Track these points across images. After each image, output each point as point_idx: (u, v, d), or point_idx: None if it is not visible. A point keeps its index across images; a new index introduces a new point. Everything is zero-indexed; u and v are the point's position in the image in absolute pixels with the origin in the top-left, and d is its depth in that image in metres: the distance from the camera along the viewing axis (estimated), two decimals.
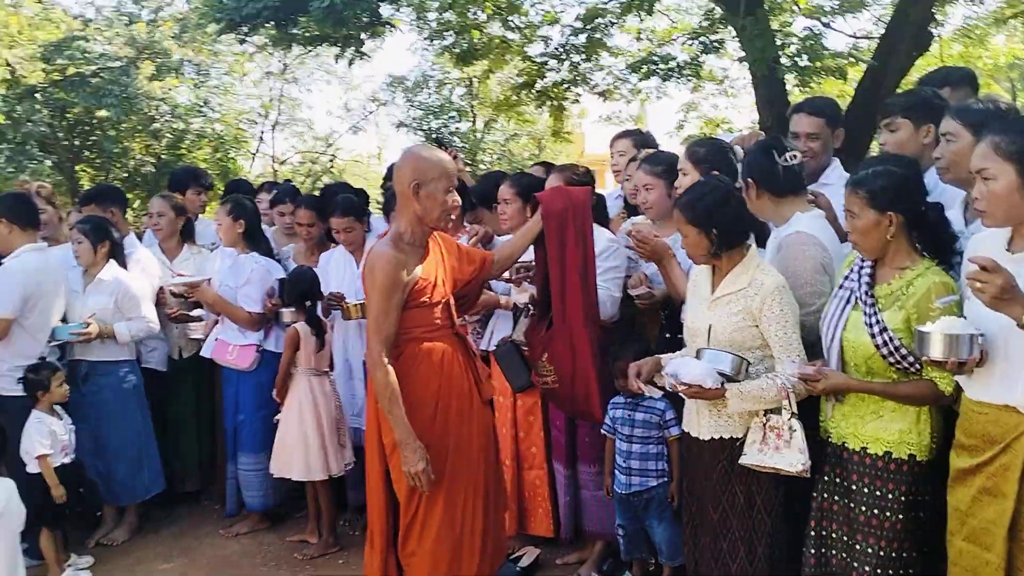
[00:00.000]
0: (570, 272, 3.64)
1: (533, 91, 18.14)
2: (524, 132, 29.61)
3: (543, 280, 3.79)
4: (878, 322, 2.76)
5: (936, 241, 2.82)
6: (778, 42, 10.37)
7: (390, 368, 3.27)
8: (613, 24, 16.81)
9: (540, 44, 17.92)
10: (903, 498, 2.76)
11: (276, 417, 4.88)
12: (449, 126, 29.30)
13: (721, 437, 3.12)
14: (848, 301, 2.89)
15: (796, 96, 11.72)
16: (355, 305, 4.68)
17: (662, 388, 3.20)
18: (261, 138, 28.54)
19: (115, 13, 24.91)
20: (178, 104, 24.56)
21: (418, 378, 3.41)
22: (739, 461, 3.00)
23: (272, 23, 10.35)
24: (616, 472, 4.02)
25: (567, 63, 17.48)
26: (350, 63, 11.69)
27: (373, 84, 42.84)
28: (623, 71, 16.64)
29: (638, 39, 17.44)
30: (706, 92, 20.22)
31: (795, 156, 3.34)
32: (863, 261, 2.91)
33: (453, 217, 3.59)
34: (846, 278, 2.95)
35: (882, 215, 2.77)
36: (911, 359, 2.71)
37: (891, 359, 2.74)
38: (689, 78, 13.69)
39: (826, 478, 2.96)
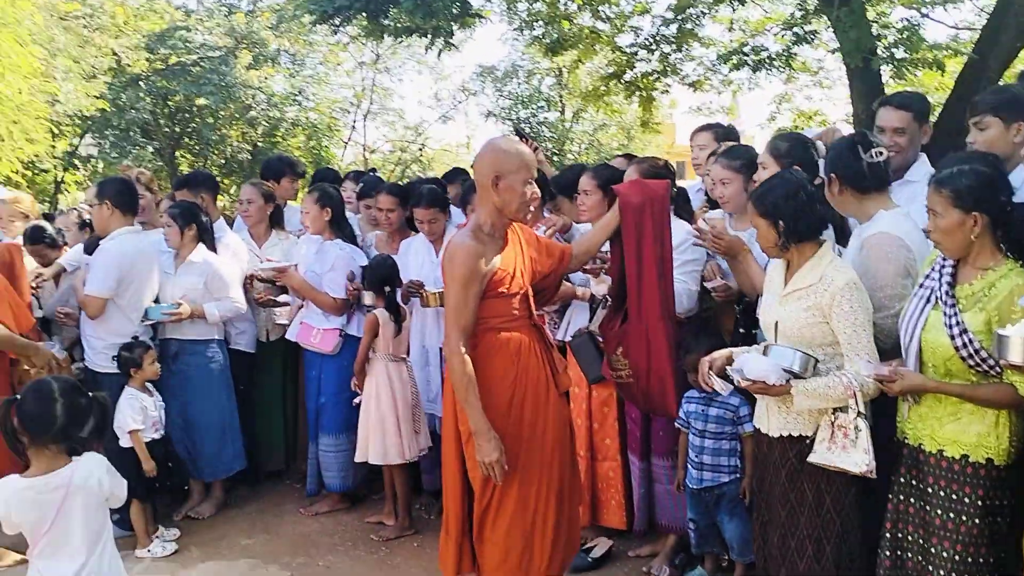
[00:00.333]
0: (647, 266, 3.62)
1: (622, 81, 18.07)
2: (613, 122, 29.52)
3: (619, 273, 3.77)
4: (958, 323, 2.69)
5: (1022, 242, 2.74)
6: (875, 33, 10.12)
7: (467, 358, 3.30)
8: (705, 14, 16.63)
9: (630, 34, 17.82)
10: (980, 502, 2.69)
11: (356, 400, 4.98)
12: (537, 115, 29.40)
13: (790, 434, 3.09)
14: (928, 301, 2.83)
15: (892, 88, 11.43)
16: (433, 293, 4.74)
17: (732, 383, 3.17)
18: (353, 127, 29.05)
19: (216, 4, 25.62)
20: (274, 93, 25.17)
21: (494, 368, 3.43)
22: (808, 459, 2.97)
23: (364, 14, 10.53)
24: (688, 467, 4.01)
25: (657, 53, 17.34)
26: (439, 54, 11.81)
27: (463, 74, 43.22)
28: (714, 62, 16.46)
29: (730, 29, 17.20)
30: (800, 84, 19.82)
31: (881, 152, 3.27)
32: (944, 260, 2.84)
33: (532, 209, 3.60)
34: (927, 277, 2.88)
35: (966, 215, 2.70)
36: (991, 362, 2.64)
37: (970, 361, 2.68)
38: (781, 69, 13.43)
39: (902, 480, 2.91)
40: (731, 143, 4.43)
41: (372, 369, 4.91)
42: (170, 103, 24.18)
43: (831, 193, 3.34)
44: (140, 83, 22.99)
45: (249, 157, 24.95)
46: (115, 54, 21.62)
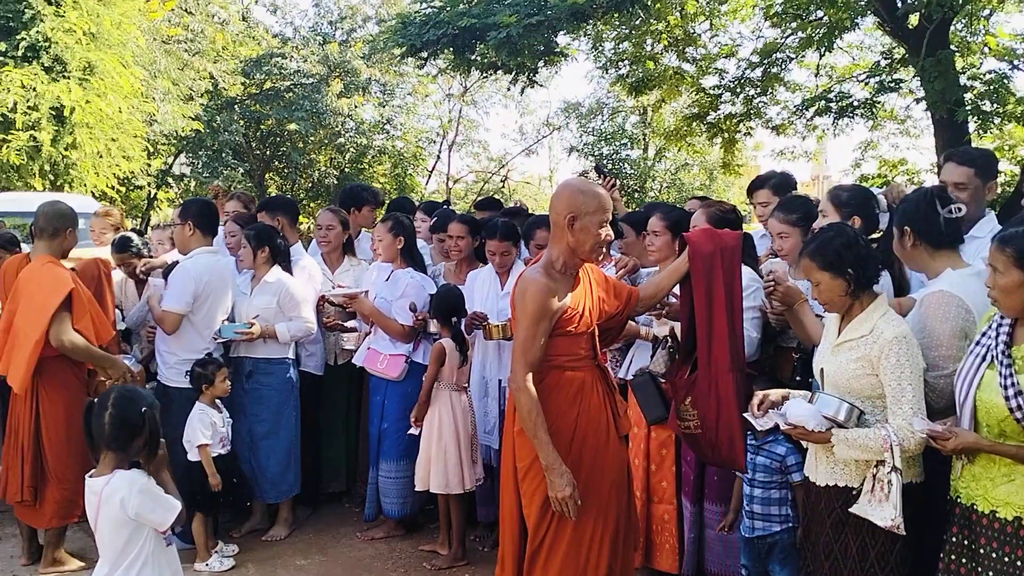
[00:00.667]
0: (717, 316, 3.57)
1: (705, 123, 18.08)
2: (695, 162, 29.46)
3: (689, 322, 3.72)
4: (1013, 384, 2.64)
5: None
6: (964, 83, 9.95)
7: (534, 393, 3.32)
8: (791, 59, 16.58)
9: (715, 76, 17.86)
10: None
11: (412, 431, 5.03)
12: (620, 153, 29.48)
13: (836, 484, 3.06)
14: (984, 359, 2.78)
15: (978, 141, 11.20)
16: (496, 326, 4.80)
17: (773, 424, 3.17)
18: (438, 156, 29.51)
19: (311, 33, 26.38)
20: (363, 121, 25.77)
21: (557, 407, 3.44)
22: (850, 509, 2.94)
23: (451, 49, 10.76)
24: (743, 516, 3.98)
25: (741, 96, 17.33)
26: (522, 91, 12.00)
27: (548, 109, 43.60)
28: (797, 106, 16.38)
29: (817, 75, 17.10)
30: (886, 131, 19.56)
31: (960, 209, 3.25)
32: (1002, 319, 2.80)
33: (604, 251, 3.63)
34: (983, 335, 2.84)
35: None
36: None
37: None
38: (865, 117, 13.29)
39: (954, 539, 2.86)
40: (789, 194, 4.41)
41: (436, 398, 4.97)
42: (262, 127, 24.92)
43: (902, 246, 3.32)
44: (235, 106, 23.78)
45: (335, 182, 25.51)
46: (212, 77, 22.38)
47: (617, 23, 14.75)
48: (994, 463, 2.75)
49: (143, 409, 3.21)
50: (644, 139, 30.02)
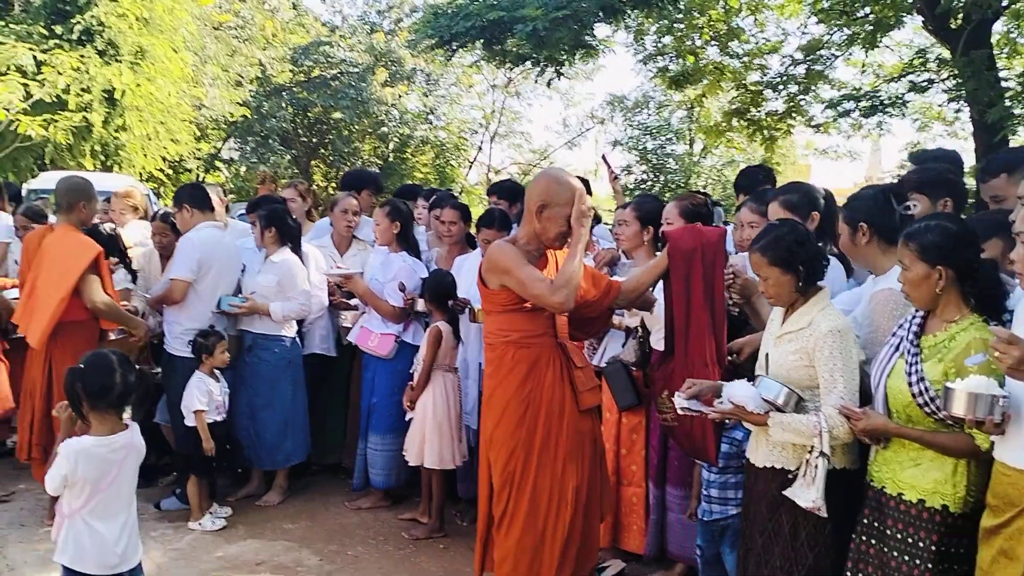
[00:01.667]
0: (695, 311, 3.69)
1: (745, 119, 17.99)
2: (744, 159, 29.27)
3: (669, 316, 3.84)
4: (917, 371, 2.76)
5: (987, 297, 2.79)
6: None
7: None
8: (836, 56, 16.45)
9: (757, 72, 17.76)
10: (933, 548, 2.73)
11: (408, 416, 5.22)
12: (665, 147, 29.39)
13: (773, 466, 3.18)
14: (897, 349, 2.90)
15: (1016, 142, 11.09)
16: (480, 310, 4.95)
17: (697, 411, 3.30)
18: (480, 147, 29.71)
19: (359, 22, 26.73)
20: (407, 110, 26.07)
21: (511, 381, 3.65)
22: (784, 491, 3.06)
23: (481, 41, 10.95)
24: (702, 501, 4.10)
25: (784, 93, 17.22)
26: (549, 83, 12.14)
27: (593, 101, 43.46)
28: (828, 103, 16.30)
29: (862, 72, 17.00)
30: (933, 132, 19.32)
31: (915, 205, 3.36)
32: (916, 311, 2.91)
33: (569, 241, 3.73)
34: (899, 326, 2.95)
35: (932, 268, 2.78)
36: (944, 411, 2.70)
37: (926, 409, 2.73)
38: (892, 115, 13.21)
39: (864, 521, 2.97)
40: (763, 187, 4.51)
41: (431, 379, 5.15)
42: (309, 114, 25.30)
43: (853, 243, 3.41)
44: (282, 93, 24.20)
45: (378, 171, 25.85)
46: (261, 64, 22.81)
47: (658, 17, 14.79)
48: (904, 448, 2.86)
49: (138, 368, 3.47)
50: (690, 134, 29.89)
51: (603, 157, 6.61)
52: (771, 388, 3.06)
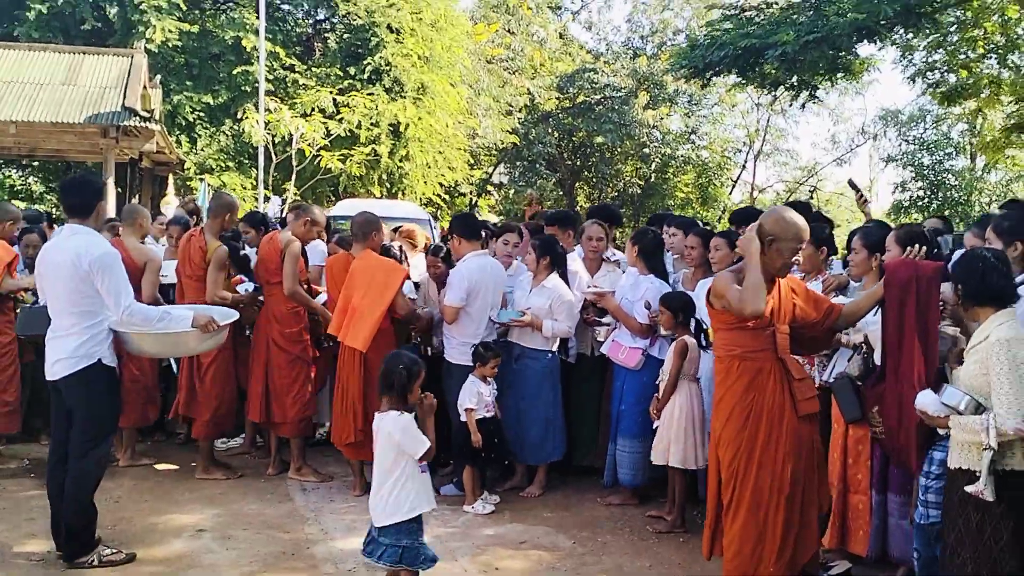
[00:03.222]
0: (907, 337, 4.13)
1: None
2: None
3: (884, 340, 4.28)
4: None
5: None
6: None
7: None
8: None
9: None
10: None
11: (654, 425, 5.80)
12: (944, 162, 28.01)
13: (961, 467, 3.53)
14: None
15: None
16: (711, 328, 5.46)
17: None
18: (743, 166, 29.68)
19: (623, 48, 27.61)
20: (668, 131, 26.62)
21: (737, 389, 4.23)
22: (966, 488, 3.42)
23: (735, 69, 11.35)
24: (919, 505, 4.40)
25: None
26: (803, 106, 12.30)
27: (864, 117, 41.85)
28: None
29: None
30: None
31: None
32: None
33: (793, 269, 4.26)
34: None
35: None
36: None
37: None
38: None
39: None
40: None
41: (679, 386, 5.73)
42: (573, 139, 26.48)
43: None
44: (549, 120, 25.54)
45: (639, 191, 26.57)
46: (529, 93, 24.21)
47: (928, 33, 14.43)
48: None
49: (400, 367, 4.19)
50: (971, 148, 28.32)
51: (849, 182, 6.91)
52: (953, 396, 3.49)
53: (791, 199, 29.47)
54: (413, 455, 4.10)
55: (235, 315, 5.81)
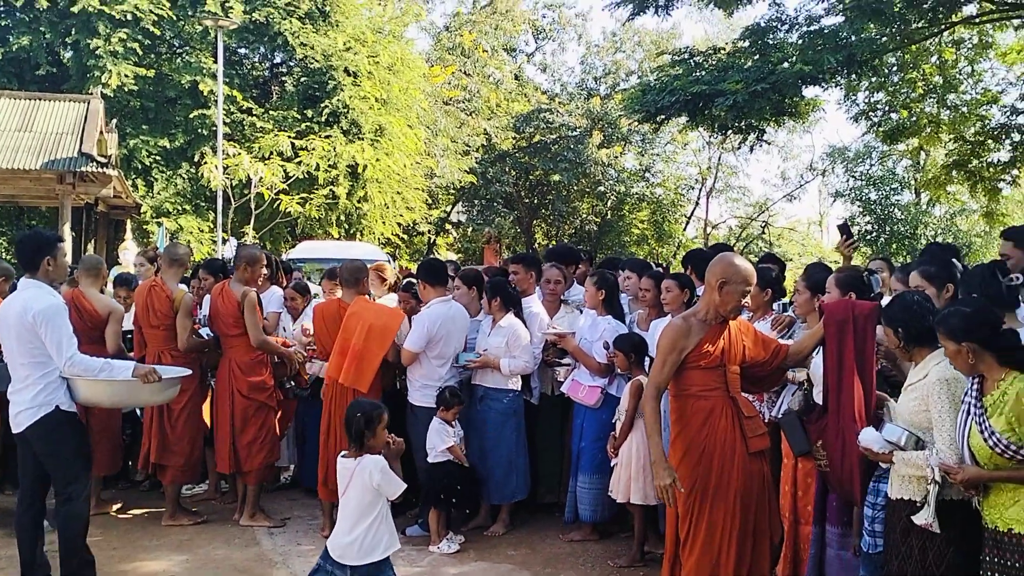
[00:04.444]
0: (846, 374, 4.34)
1: (965, 171, 17.64)
2: (979, 206, 28.22)
3: (825, 377, 4.50)
4: (988, 427, 3.36)
5: (1018, 358, 3.41)
6: None
7: (657, 406, 4.31)
8: None
9: (975, 123, 17.42)
10: None
11: (613, 463, 5.98)
12: (890, 197, 28.75)
13: (903, 497, 3.78)
14: (968, 414, 3.50)
15: None
16: None
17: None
18: (697, 203, 30.25)
19: (577, 89, 28.12)
20: (623, 169, 27.11)
21: (691, 427, 4.44)
22: (911, 517, 3.65)
23: (685, 113, 11.72)
24: (864, 534, 4.63)
25: (1007, 143, 16.82)
26: (751, 149, 12.71)
27: (812, 154, 42.88)
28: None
29: None
30: None
31: (1018, 278, 3.89)
32: (973, 379, 3.52)
33: (743, 313, 4.49)
34: (966, 394, 3.55)
35: (959, 345, 3.44)
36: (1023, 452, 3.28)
37: (1006, 455, 3.31)
38: None
39: (987, 559, 3.50)
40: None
41: (635, 425, 5.92)
42: (530, 177, 26.85)
43: None
44: (506, 159, 25.90)
45: (596, 228, 26.95)
46: (486, 133, 24.57)
47: (868, 77, 14.93)
48: (1002, 490, 3.43)
49: (357, 415, 4.35)
50: (915, 183, 29.15)
51: (841, 227, 6.78)
52: (894, 432, 3.74)
53: (744, 235, 30.07)
54: (390, 496, 4.25)
55: (187, 371, 5.96)
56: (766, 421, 5.28)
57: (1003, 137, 16.52)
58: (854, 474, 4.34)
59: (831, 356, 4.41)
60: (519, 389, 6.61)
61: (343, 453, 4.41)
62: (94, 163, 15.16)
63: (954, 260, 4.55)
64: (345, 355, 6.30)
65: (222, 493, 7.46)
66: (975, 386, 3.52)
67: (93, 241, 19.22)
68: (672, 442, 4.57)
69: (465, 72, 25.32)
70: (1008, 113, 16.60)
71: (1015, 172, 17.24)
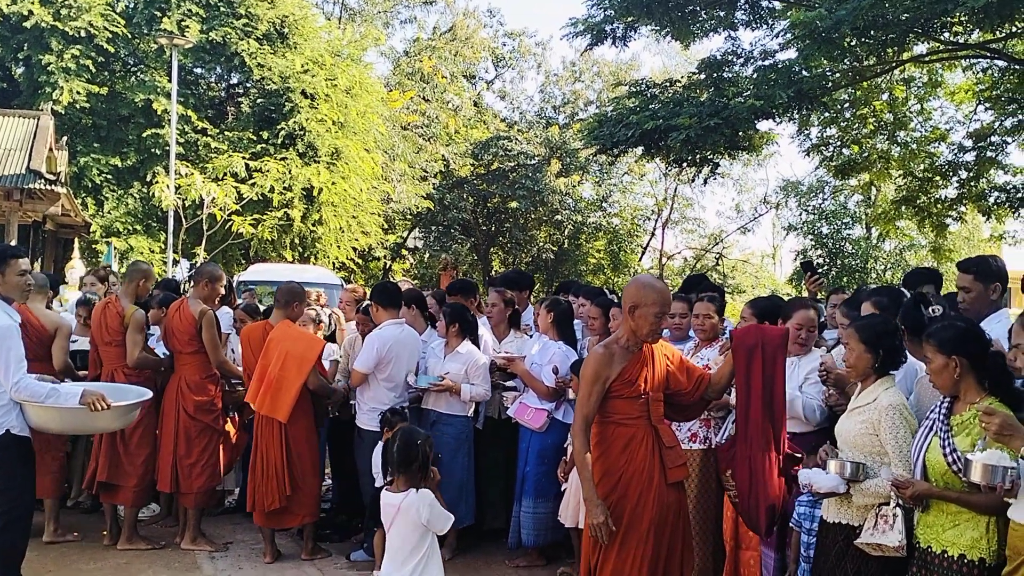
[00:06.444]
0: (753, 402, 4.29)
1: (913, 207, 17.95)
2: (928, 241, 28.77)
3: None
4: (950, 444, 3.40)
5: (1000, 382, 3.44)
6: None
7: (586, 439, 4.19)
8: (1009, 143, 16.32)
9: (924, 161, 17.75)
10: None
11: (562, 488, 5.96)
12: (841, 231, 29.20)
13: (841, 522, 3.81)
14: (932, 429, 3.54)
15: None
16: None
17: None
18: (653, 233, 30.50)
19: (536, 117, 28.30)
20: (581, 198, 27.29)
21: (609, 455, 4.26)
22: (854, 542, 3.66)
23: (640, 146, 11.86)
24: (801, 561, 4.65)
25: (955, 180, 17.17)
26: (705, 181, 12.88)
27: (766, 187, 43.47)
28: (1008, 190, 16.12)
29: None
30: None
31: (938, 310, 3.99)
32: (943, 398, 3.56)
33: (662, 336, 4.40)
34: (932, 411, 3.59)
35: (948, 359, 3.44)
36: None
37: (960, 475, 3.33)
38: None
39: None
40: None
41: None
42: (488, 204, 26.91)
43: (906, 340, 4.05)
44: (464, 185, 25.95)
45: (552, 257, 27.05)
46: (444, 159, 24.62)
47: (820, 113, 15.22)
48: (942, 512, 3.46)
49: (419, 442, 4.29)
50: (866, 218, 29.67)
51: (805, 264, 6.77)
52: (845, 467, 3.71)
53: (698, 266, 30.34)
54: (439, 531, 4.17)
55: (149, 394, 5.74)
56: (712, 447, 5.31)
57: (950, 174, 16.87)
58: (760, 505, 4.28)
59: (740, 383, 4.35)
60: (470, 414, 6.58)
61: (385, 487, 4.31)
62: (42, 180, 14.92)
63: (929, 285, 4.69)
64: (262, 382, 6.20)
65: (174, 516, 7.27)
66: (944, 405, 3.56)
67: (40, 259, 18.87)
68: (591, 466, 4.37)
69: (424, 98, 25.40)
70: (955, 151, 16.97)
71: (962, 208, 17.57)
